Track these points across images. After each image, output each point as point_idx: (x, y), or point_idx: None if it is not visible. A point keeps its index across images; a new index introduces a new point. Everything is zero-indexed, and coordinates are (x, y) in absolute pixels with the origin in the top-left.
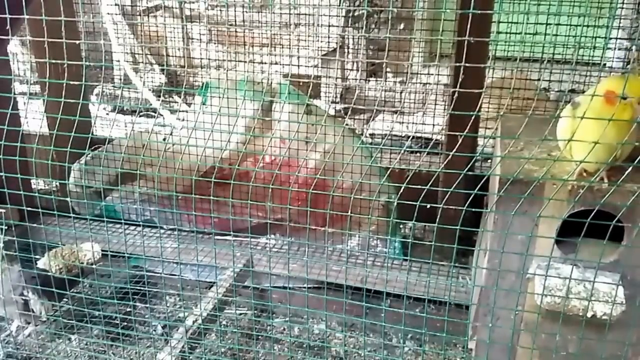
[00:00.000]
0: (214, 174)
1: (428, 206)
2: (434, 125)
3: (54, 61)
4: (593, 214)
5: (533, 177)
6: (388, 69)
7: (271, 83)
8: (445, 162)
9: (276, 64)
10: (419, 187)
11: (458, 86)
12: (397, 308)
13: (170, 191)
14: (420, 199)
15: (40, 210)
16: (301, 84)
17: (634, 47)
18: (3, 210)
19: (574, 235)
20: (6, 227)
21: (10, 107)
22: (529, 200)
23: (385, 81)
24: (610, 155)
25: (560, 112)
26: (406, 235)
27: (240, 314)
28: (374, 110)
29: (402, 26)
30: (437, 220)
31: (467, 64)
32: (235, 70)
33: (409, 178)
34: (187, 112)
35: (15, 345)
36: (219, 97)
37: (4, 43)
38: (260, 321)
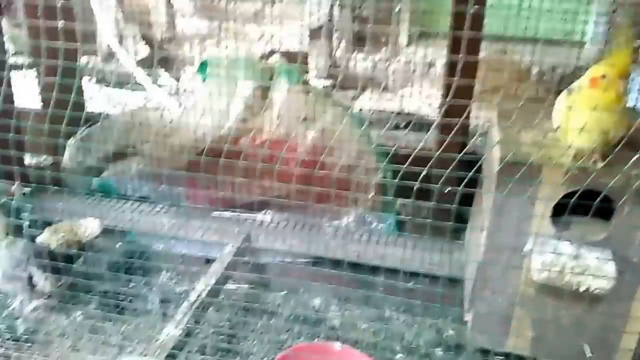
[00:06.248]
0: (212, 151)
1: (417, 185)
2: (424, 103)
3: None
4: (580, 193)
5: (530, 159)
6: (377, 46)
7: (268, 61)
8: (442, 148)
9: (262, 37)
10: (417, 167)
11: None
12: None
13: (169, 168)
14: (420, 179)
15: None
16: (289, 59)
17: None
18: (14, 186)
19: (568, 214)
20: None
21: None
22: (526, 181)
23: (374, 59)
24: (603, 137)
25: (555, 97)
26: (401, 212)
27: (238, 288)
28: (359, 86)
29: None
30: (433, 198)
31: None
32: (236, 48)
33: (410, 159)
34: (185, 90)
35: (19, 320)
36: (218, 76)
37: None
38: (258, 295)
